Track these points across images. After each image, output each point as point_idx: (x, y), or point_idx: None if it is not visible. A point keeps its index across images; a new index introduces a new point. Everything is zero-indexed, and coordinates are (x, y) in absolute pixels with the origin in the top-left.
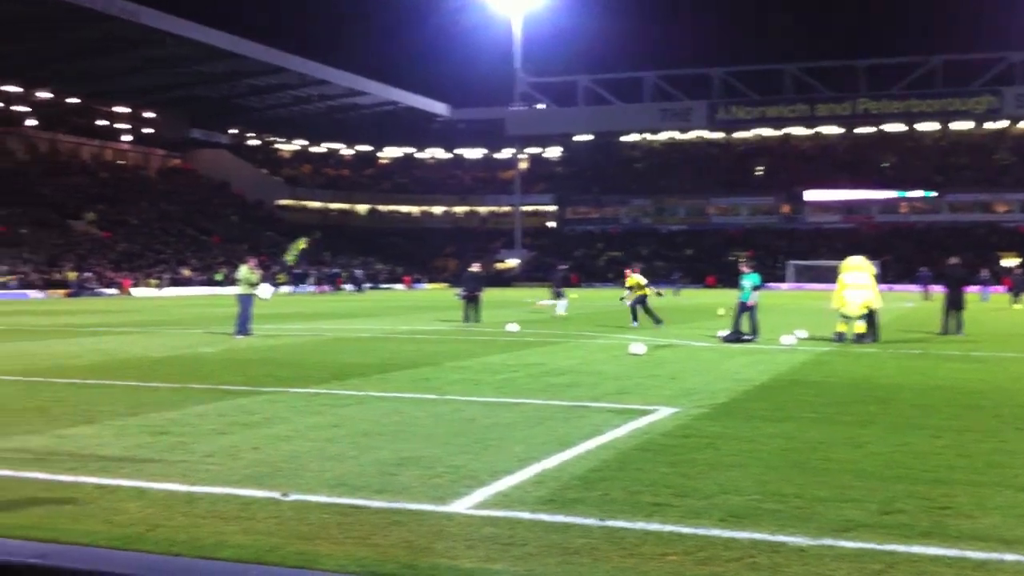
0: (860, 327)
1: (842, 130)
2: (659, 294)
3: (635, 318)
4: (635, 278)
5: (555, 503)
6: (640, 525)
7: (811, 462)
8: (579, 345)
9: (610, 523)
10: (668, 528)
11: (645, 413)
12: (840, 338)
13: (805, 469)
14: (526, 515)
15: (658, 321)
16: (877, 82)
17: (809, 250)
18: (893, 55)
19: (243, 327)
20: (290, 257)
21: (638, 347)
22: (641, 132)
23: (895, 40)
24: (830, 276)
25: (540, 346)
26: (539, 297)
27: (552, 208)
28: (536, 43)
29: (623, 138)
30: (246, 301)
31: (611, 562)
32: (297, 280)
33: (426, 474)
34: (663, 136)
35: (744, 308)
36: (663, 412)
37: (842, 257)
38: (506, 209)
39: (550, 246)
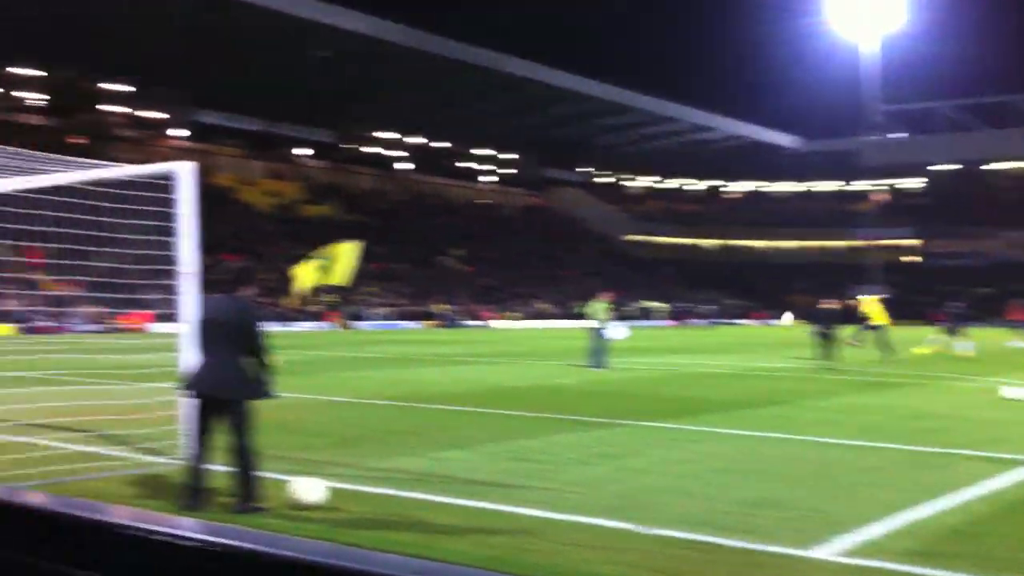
0: None
1: None
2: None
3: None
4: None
5: (928, 556)
6: None
7: None
8: (945, 387)
9: None
10: None
11: None
12: None
13: None
14: (895, 566)
15: (831, 357)
16: None
17: None
18: None
19: (598, 360)
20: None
21: (1014, 391)
22: (1011, 160)
23: None
24: None
25: (902, 387)
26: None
27: (910, 242)
28: (888, 69)
29: (990, 166)
30: (599, 335)
31: None
32: (647, 315)
33: (786, 516)
34: None
35: None
36: None
37: None
38: (859, 243)
39: (909, 282)
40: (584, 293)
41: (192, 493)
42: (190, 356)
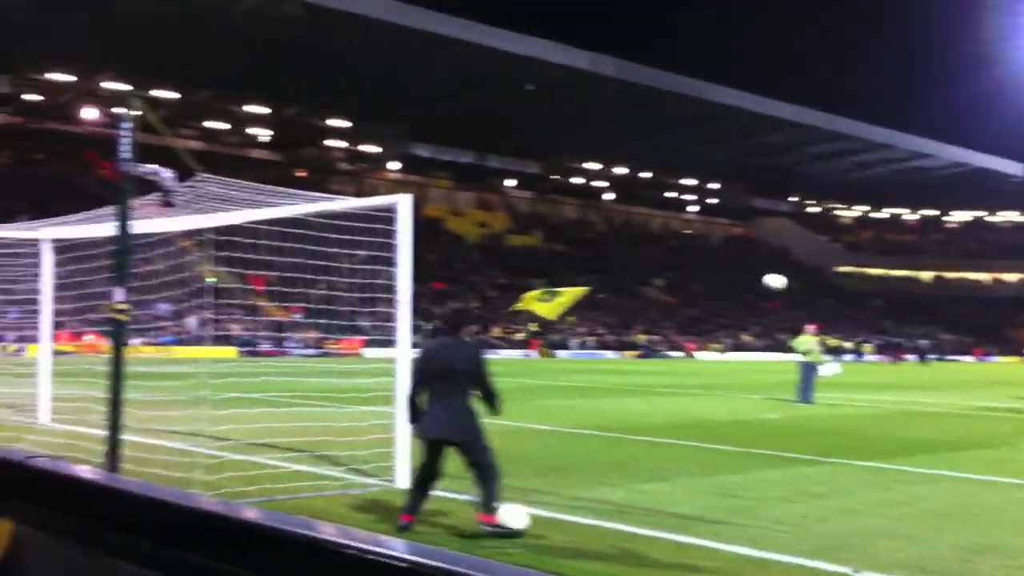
0: None
1: None
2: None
3: None
4: None
5: None
6: None
7: None
8: None
9: None
10: None
11: None
12: None
13: None
14: None
15: None
16: None
17: None
18: None
19: (804, 395)
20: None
21: None
22: None
23: None
24: None
25: None
26: None
27: None
28: None
29: None
30: (807, 369)
31: None
32: (856, 350)
33: (1010, 564)
34: None
35: None
36: None
37: None
38: None
39: None
40: (791, 326)
41: (410, 514)
42: (413, 398)
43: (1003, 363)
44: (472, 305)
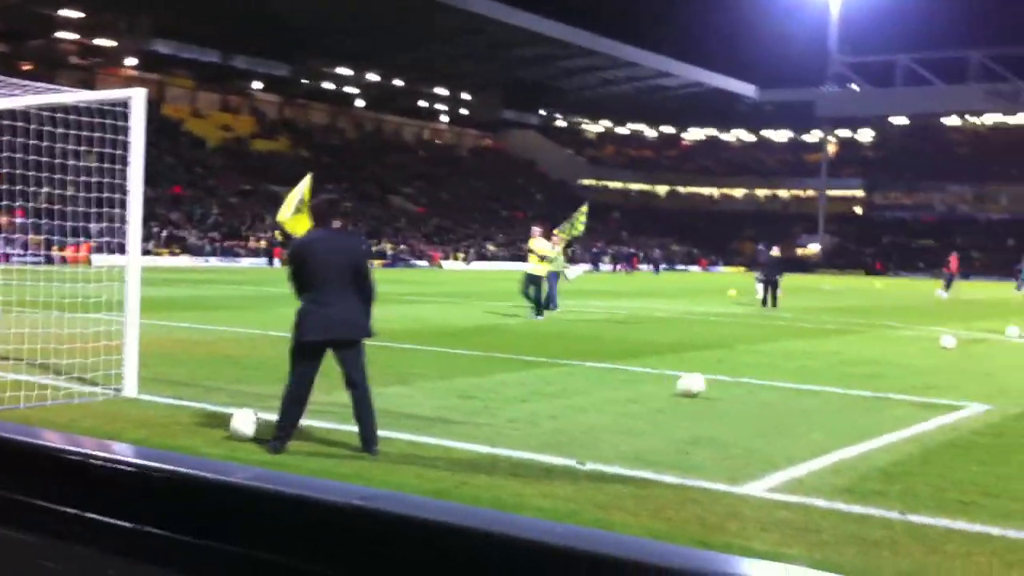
0: None
1: None
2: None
3: (538, 309)
4: (541, 246)
5: (853, 493)
6: (944, 522)
7: None
8: (882, 336)
9: (912, 518)
10: (975, 528)
11: (954, 409)
12: None
13: None
14: (822, 503)
15: (539, 313)
16: None
17: None
18: None
19: (549, 302)
20: (578, 228)
21: (949, 340)
22: (963, 114)
23: None
24: None
25: (840, 335)
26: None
27: (859, 193)
28: (852, 21)
29: (944, 120)
30: (551, 278)
31: (912, 557)
32: (594, 260)
33: (720, 455)
34: (988, 119)
35: None
36: (974, 409)
37: None
38: (810, 193)
39: (855, 232)
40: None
41: (285, 437)
42: (304, 297)
43: (726, 272)
44: (215, 211)
